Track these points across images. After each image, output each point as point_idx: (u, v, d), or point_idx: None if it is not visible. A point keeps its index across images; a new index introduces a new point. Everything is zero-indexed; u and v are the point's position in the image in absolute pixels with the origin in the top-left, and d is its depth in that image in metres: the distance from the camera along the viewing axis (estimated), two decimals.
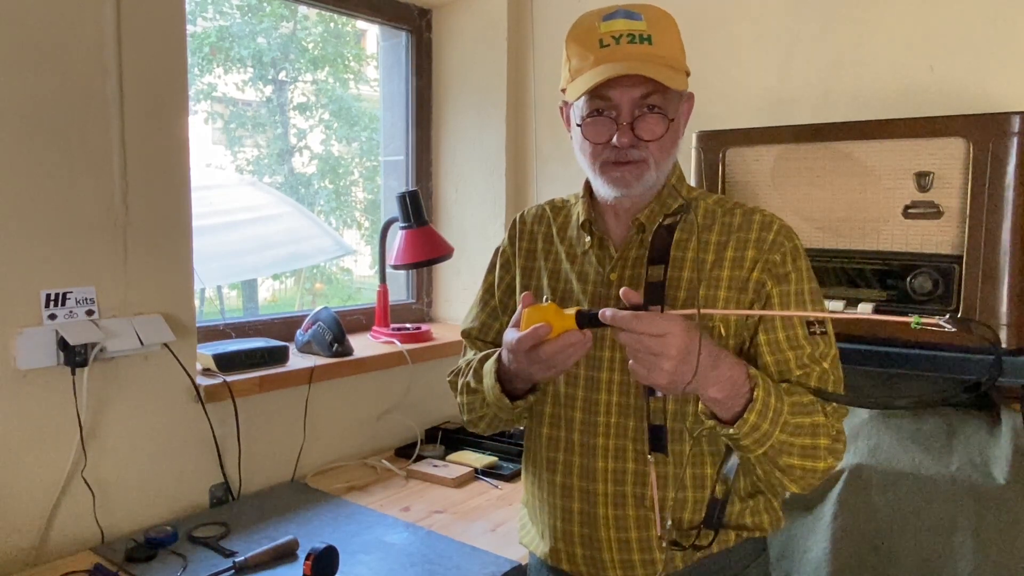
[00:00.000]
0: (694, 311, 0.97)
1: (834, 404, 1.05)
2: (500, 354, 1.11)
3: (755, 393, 0.96)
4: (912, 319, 0.82)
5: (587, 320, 0.97)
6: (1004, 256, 1.38)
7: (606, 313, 0.94)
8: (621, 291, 0.97)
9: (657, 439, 1.06)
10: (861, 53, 1.79)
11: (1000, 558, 1.32)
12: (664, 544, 1.07)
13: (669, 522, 1.08)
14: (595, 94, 1.04)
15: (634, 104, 1.04)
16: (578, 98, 1.06)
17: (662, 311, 0.93)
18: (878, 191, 1.50)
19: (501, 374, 1.12)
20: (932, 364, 1.43)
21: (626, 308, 0.95)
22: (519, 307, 1.04)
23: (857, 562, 1.41)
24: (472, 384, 1.20)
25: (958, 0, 1.66)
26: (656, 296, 1.02)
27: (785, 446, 0.99)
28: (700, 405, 1.01)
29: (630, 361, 0.95)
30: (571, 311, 0.99)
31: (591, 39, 1.05)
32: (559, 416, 1.14)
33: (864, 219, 1.52)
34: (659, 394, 1.04)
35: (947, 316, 0.82)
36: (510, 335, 1.04)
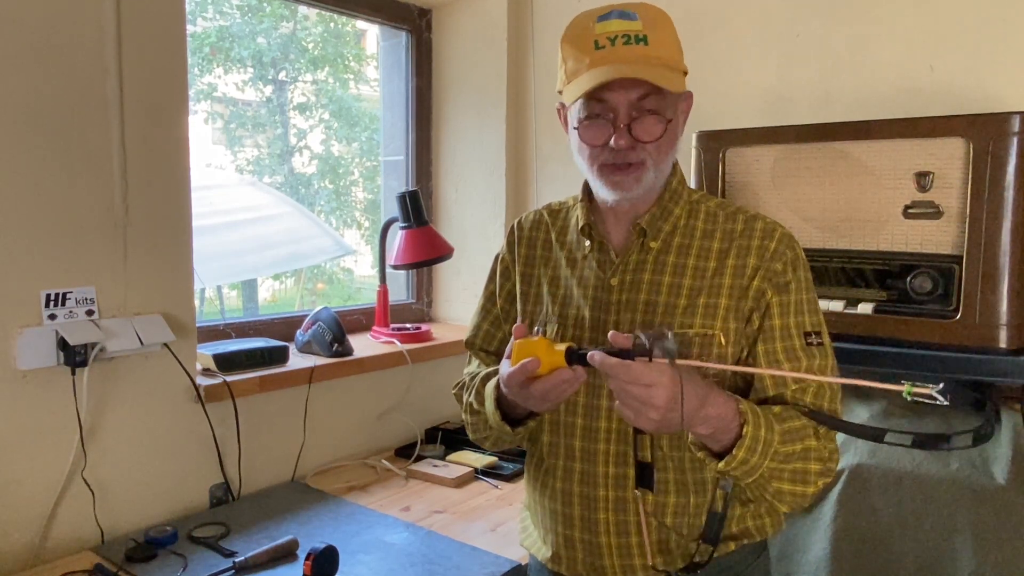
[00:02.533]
0: (685, 362, 0.94)
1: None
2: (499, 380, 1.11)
3: (744, 430, 0.96)
4: (905, 387, 0.82)
5: (576, 359, 0.96)
6: (1004, 256, 1.37)
7: (595, 357, 0.93)
8: (609, 335, 0.96)
9: (643, 475, 1.06)
10: (861, 53, 1.79)
11: (1000, 558, 1.32)
12: (657, 570, 1.08)
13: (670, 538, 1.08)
14: (591, 97, 1.03)
15: (631, 106, 1.03)
16: (574, 102, 1.05)
17: (650, 359, 0.92)
18: (878, 191, 1.50)
19: (501, 400, 1.11)
20: (932, 364, 1.43)
21: (614, 351, 0.93)
22: (512, 338, 1.03)
23: (857, 562, 1.41)
24: (475, 405, 1.19)
25: (958, 0, 1.67)
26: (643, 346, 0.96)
27: (775, 472, 0.99)
28: (691, 436, 1.01)
29: (616, 403, 0.95)
30: (562, 347, 0.98)
31: (586, 41, 1.04)
32: (560, 422, 1.14)
33: (864, 219, 1.52)
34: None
35: (940, 386, 0.80)
36: (503, 368, 1.04)
